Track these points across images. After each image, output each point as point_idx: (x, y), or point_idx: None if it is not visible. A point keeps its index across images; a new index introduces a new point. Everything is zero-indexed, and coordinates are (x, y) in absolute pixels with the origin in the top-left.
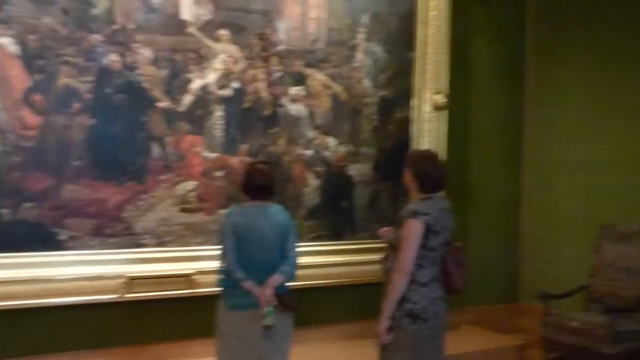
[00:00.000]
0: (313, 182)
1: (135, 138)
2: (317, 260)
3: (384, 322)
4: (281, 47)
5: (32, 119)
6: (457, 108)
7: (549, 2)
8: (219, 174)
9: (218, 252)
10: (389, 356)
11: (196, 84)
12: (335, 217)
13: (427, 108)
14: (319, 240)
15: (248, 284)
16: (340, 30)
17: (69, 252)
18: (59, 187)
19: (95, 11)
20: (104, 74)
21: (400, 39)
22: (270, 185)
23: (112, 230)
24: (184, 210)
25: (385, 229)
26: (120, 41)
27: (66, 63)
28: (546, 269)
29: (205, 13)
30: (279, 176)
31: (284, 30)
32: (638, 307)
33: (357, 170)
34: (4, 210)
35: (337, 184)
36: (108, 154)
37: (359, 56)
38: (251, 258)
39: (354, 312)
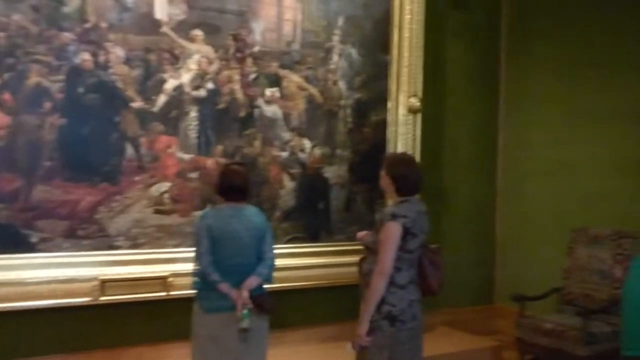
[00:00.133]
0: (289, 184)
1: (108, 138)
2: (293, 262)
3: (364, 324)
4: (256, 49)
5: (1, 118)
6: (431, 111)
7: (523, 8)
8: (193, 175)
9: (193, 255)
10: (368, 358)
11: (170, 84)
12: (311, 219)
13: (402, 111)
14: (295, 242)
15: (224, 287)
16: (316, 32)
17: (40, 255)
18: (29, 188)
19: (66, 9)
20: (76, 73)
21: (375, 42)
22: (245, 187)
23: (85, 232)
24: (158, 211)
25: (362, 232)
26: (93, 40)
27: (37, 61)
28: (520, 271)
29: (179, 13)
30: (255, 178)
31: (259, 32)
32: (610, 309)
33: (333, 173)
34: None
35: (312, 186)
36: (80, 155)
37: (335, 58)
38: (227, 260)
39: (330, 314)
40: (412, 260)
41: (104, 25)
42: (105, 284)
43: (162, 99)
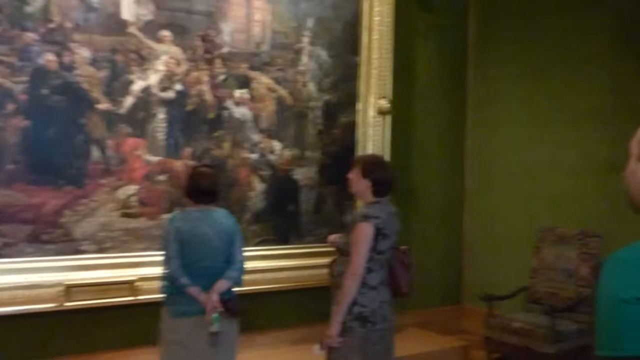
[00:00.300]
0: (258, 186)
1: (73, 141)
2: (262, 265)
3: (336, 325)
4: (225, 50)
5: None
6: (400, 113)
7: (490, 11)
8: (161, 177)
9: (161, 258)
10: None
11: (137, 85)
12: (280, 221)
13: (371, 113)
14: (265, 245)
15: (193, 290)
16: (285, 33)
17: (3, 260)
18: None
19: (29, 9)
20: (40, 74)
21: (345, 43)
22: (214, 189)
23: (49, 236)
24: (125, 215)
25: (333, 235)
26: (57, 40)
27: None
28: (488, 271)
29: (147, 13)
30: (224, 180)
31: (228, 33)
32: (577, 308)
33: (303, 174)
34: None
35: (282, 187)
36: (44, 157)
37: (304, 60)
38: (196, 264)
39: (300, 316)
40: (383, 261)
41: (68, 25)
42: (70, 290)
43: (129, 101)
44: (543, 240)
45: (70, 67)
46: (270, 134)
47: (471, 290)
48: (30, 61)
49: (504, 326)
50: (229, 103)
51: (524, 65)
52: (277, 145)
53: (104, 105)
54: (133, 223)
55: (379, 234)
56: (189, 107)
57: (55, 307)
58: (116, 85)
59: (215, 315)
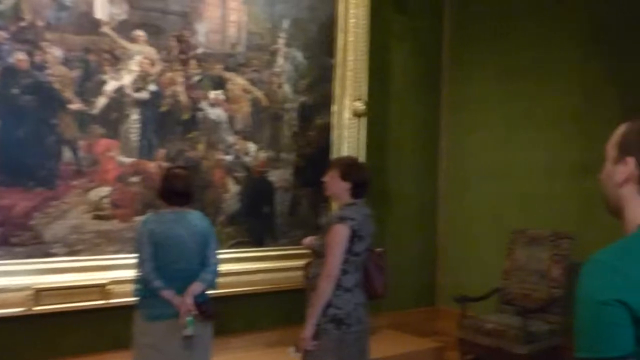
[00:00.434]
0: (233, 187)
1: (44, 141)
2: (237, 267)
3: (310, 328)
4: (200, 50)
5: None
6: (376, 115)
7: (465, 13)
8: (134, 179)
9: (134, 261)
10: None
11: (111, 85)
12: (255, 223)
13: (346, 114)
14: (239, 247)
15: (167, 293)
16: (261, 34)
17: None
18: None
19: (0, 7)
20: (10, 73)
21: (321, 45)
22: (188, 191)
23: (19, 239)
24: (97, 217)
25: (308, 238)
26: (28, 39)
27: None
28: (462, 273)
29: (121, 13)
30: (198, 182)
31: (203, 33)
32: (549, 308)
33: (278, 176)
34: None
35: (257, 189)
36: (14, 158)
37: (280, 61)
38: (170, 266)
39: (275, 319)
40: (358, 263)
41: (40, 24)
42: (40, 293)
43: (102, 101)
44: (515, 242)
45: (41, 67)
46: (245, 136)
47: (445, 291)
48: (0, 60)
49: (477, 327)
50: (203, 104)
51: (498, 68)
52: (252, 147)
53: (76, 106)
54: (105, 225)
55: (354, 235)
56: (163, 108)
57: (24, 311)
58: (89, 86)
59: (189, 318)
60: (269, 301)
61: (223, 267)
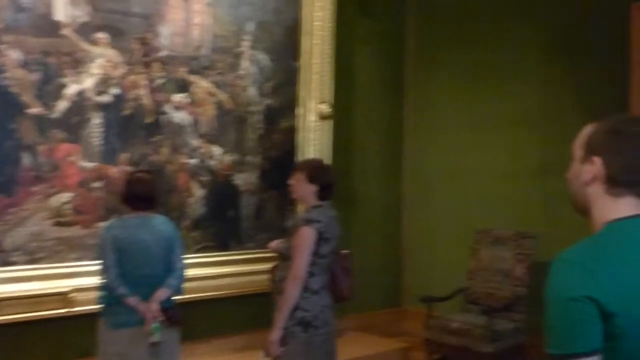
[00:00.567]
0: (198, 191)
1: (2, 147)
2: (203, 272)
3: (277, 331)
4: (163, 53)
5: None
6: (341, 118)
7: (428, 16)
8: (97, 184)
9: (98, 268)
10: None
11: (71, 89)
12: (221, 227)
13: (312, 117)
14: (205, 252)
15: (132, 300)
16: (225, 37)
17: None
18: None
19: None
20: None
21: (286, 48)
22: (152, 195)
23: None
24: (58, 223)
25: (275, 241)
26: None
27: None
28: (428, 274)
29: (82, 15)
30: (162, 186)
31: (167, 36)
32: (513, 307)
33: (243, 180)
34: None
35: (222, 193)
36: None
37: (244, 64)
38: (135, 272)
39: (242, 323)
40: (324, 266)
41: None
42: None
43: (62, 105)
44: (480, 242)
45: None
46: (210, 139)
47: (411, 292)
48: None
49: (443, 327)
50: (167, 107)
51: (461, 70)
52: (217, 150)
53: (35, 110)
54: (67, 232)
55: (320, 238)
56: (126, 112)
57: None
58: (49, 89)
59: (155, 325)
60: (236, 305)
61: (189, 272)
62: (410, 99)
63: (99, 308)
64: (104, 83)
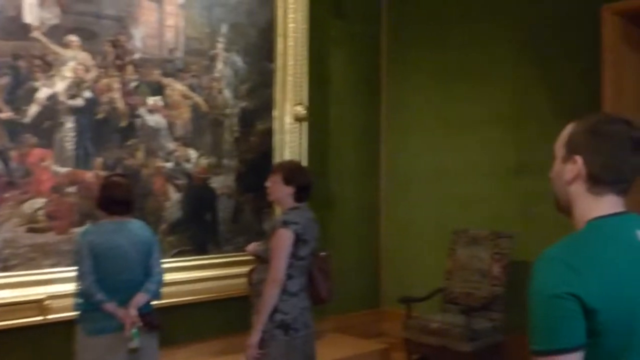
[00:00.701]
0: (174, 195)
1: None
2: (181, 276)
3: (256, 334)
4: (137, 56)
5: None
6: (317, 119)
7: (401, 18)
8: (71, 189)
9: (74, 274)
10: None
11: (43, 93)
12: (198, 231)
13: (288, 119)
14: (182, 256)
15: (110, 306)
16: (199, 39)
17: None
18: None
19: None
20: None
21: (260, 50)
22: (128, 199)
23: None
24: (32, 230)
25: (252, 244)
26: None
27: None
28: (406, 274)
29: (52, 17)
30: (138, 190)
31: (140, 38)
32: (491, 306)
33: (220, 183)
34: None
35: (199, 196)
36: None
37: (219, 66)
38: (112, 278)
39: (221, 327)
40: (303, 268)
41: None
42: None
43: (34, 109)
44: (457, 242)
45: None
46: (185, 142)
47: (389, 293)
48: None
49: (422, 327)
50: (141, 110)
51: (435, 71)
52: (192, 153)
53: (6, 115)
54: (41, 238)
55: (298, 239)
56: (100, 115)
57: None
58: (19, 93)
59: (134, 330)
60: (214, 310)
61: (166, 277)
62: (385, 100)
63: (75, 315)
64: (76, 86)
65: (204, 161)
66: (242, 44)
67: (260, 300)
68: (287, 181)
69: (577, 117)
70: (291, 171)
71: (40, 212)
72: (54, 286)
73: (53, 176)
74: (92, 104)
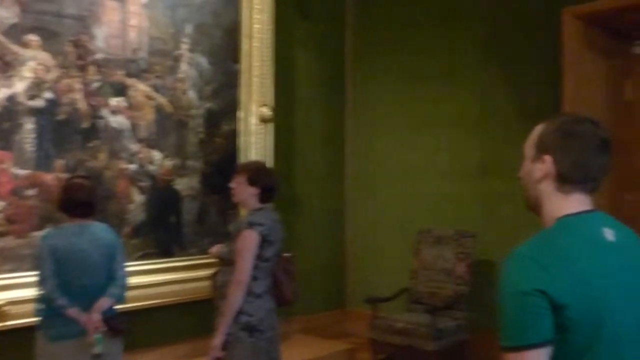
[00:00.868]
0: (138, 197)
1: None
2: (145, 279)
3: (220, 336)
4: (99, 56)
5: None
6: (282, 120)
7: (366, 19)
8: (31, 192)
9: (35, 279)
10: None
11: (1, 93)
12: (162, 233)
13: (253, 120)
14: (147, 259)
15: (72, 311)
16: (163, 39)
17: None
18: None
19: None
20: None
21: (225, 51)
22: (91, 201)
23: None
24: None
25: (215, 247)
26: None
27: None
28: (372, 275)
29: (11, 16)
30: (101, 192)
31: (102, 38)
32: (455, 305)
33: (184, 184)
34: None
35: (163, 199)
36: None
37: (184, 67)
38: (75, 282)
39: (186, 331)
40: (268, 269)
41: None
42: None
43: None
44: (422, 242)
45: None
46: (149, 144)
47: (355, 294)
48: None
49: (388, 327)
50: (104, 112)
51: (401, 72)
52: (156, 155)
53: None
54: None
55: (264, 241)
56: (61, 117)
57: None
58: None
59: (97, 336)
60: (179, 313)
61: (130, 280)
62: (351, 101)
63: (36, 321)
64: (36, 87)
65: (169, 163)
66: (207, 44)
67: (224, 302)
68: (252, 182)
69: (541, 118)
70: (256, 172)
71: None
72: (13, 292)
73: (12, 179)
74: (52, 104)
